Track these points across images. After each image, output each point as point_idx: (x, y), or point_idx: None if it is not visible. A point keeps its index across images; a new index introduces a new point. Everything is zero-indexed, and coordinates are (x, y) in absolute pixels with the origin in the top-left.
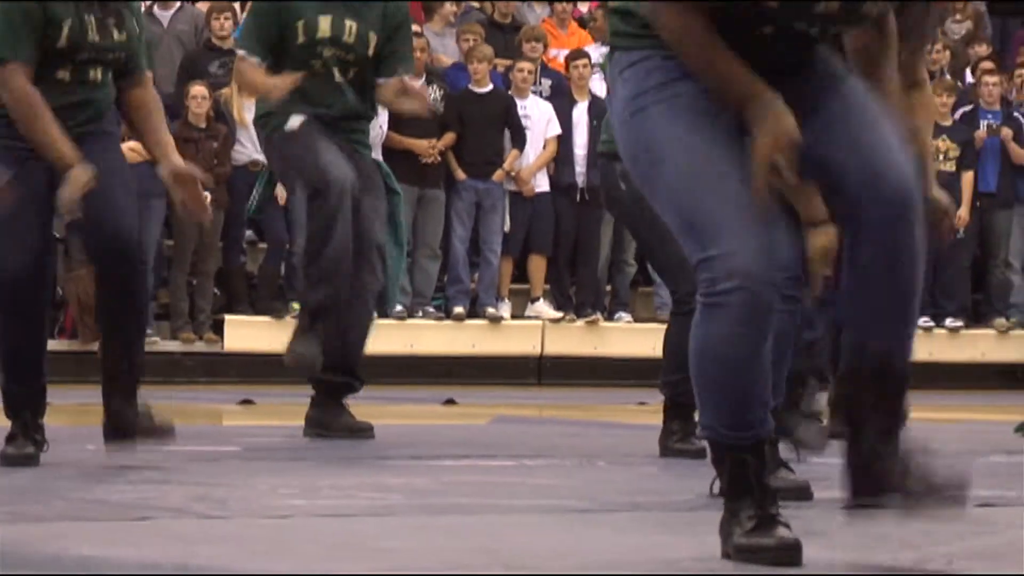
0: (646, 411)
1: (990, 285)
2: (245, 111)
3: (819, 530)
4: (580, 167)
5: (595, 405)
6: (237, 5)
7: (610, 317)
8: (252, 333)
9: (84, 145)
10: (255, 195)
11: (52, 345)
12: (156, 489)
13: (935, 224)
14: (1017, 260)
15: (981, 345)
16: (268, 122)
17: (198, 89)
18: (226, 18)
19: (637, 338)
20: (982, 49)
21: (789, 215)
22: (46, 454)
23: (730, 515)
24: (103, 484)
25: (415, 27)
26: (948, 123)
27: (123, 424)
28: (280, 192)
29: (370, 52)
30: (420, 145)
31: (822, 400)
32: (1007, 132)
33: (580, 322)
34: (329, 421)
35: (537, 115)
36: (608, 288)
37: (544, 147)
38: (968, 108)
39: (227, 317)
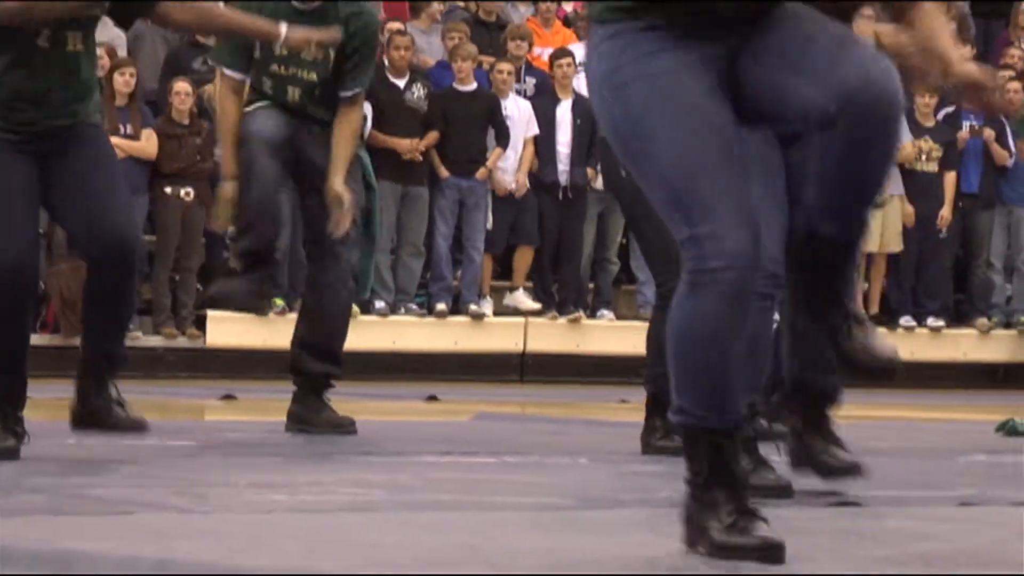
0: (628, 408)
1: (972, 285)
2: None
3: (799, 528)
4: (563, 165)
5: (577, 402)
6: (221, 4)
7: (592, 315)
8: (234, 329)
9: (73, 143)
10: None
11: (33, 339)
12: (137, 484)
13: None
14: (999, 260)
15: (963, 345)
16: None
17: (181, 85)
18: None
19: (619, 336)
20: (966, 50)
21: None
22: (26, 447)
23: (703, 507)
24: (83, 478)
25: (399, 25)
26: (931, 124)
27: (92, 413)
28: None
29: (331, 68)
30: (403, 144)
31: None
32: (989, 133)
33: (562, 320)
34: (311, 416)
35: (517, 115)
36: (591, 286)
37: (523, 146)
38: (951, 109)
39: (209, 313)
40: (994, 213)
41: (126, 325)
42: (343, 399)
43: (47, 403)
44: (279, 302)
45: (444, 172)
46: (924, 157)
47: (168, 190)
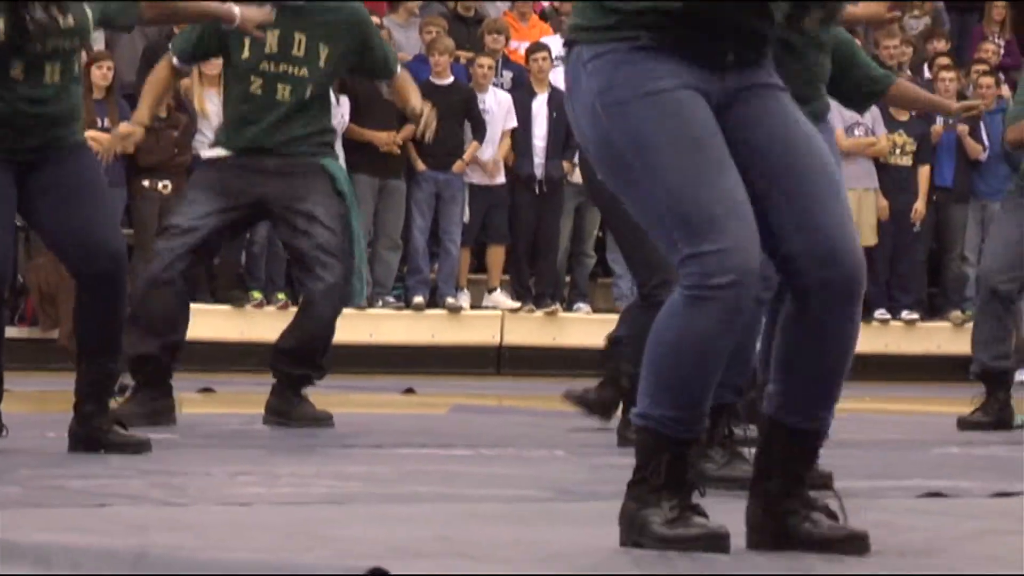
0: None
1: (946, 279)
2: (206, 101)
3: None
4: (539, 159)
5: (554, 395)
6: None
7: (569, 308)
8: (212, 322)
9: (60, 160)
10: None
11: (12, 332)
12: (115, 476)
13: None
14: (973, 254)
15: (937, 337)
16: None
17: None
18: None
19: (595, 329)
20: (940, 45)
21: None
22: (4, 440)
23: (644, 504)
24: (61, 471)
25: (377, 19)
26: (904, 118)
27: (92, 434)
28: None
29: (322, 64)
30: (380, 137)
31: None
32: (963, 128)
33: (539, 312)
34: (289, 410)
35: (496, 107)
36: (567, 279)
37: (501, 138)
38: None
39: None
40: (968, 207)
41: (120, 342)
42: (321, 392)
43: (26, 395)
44: (257, 295)
45: (421, 165)
46: (898, 151)
47: (146, 183)
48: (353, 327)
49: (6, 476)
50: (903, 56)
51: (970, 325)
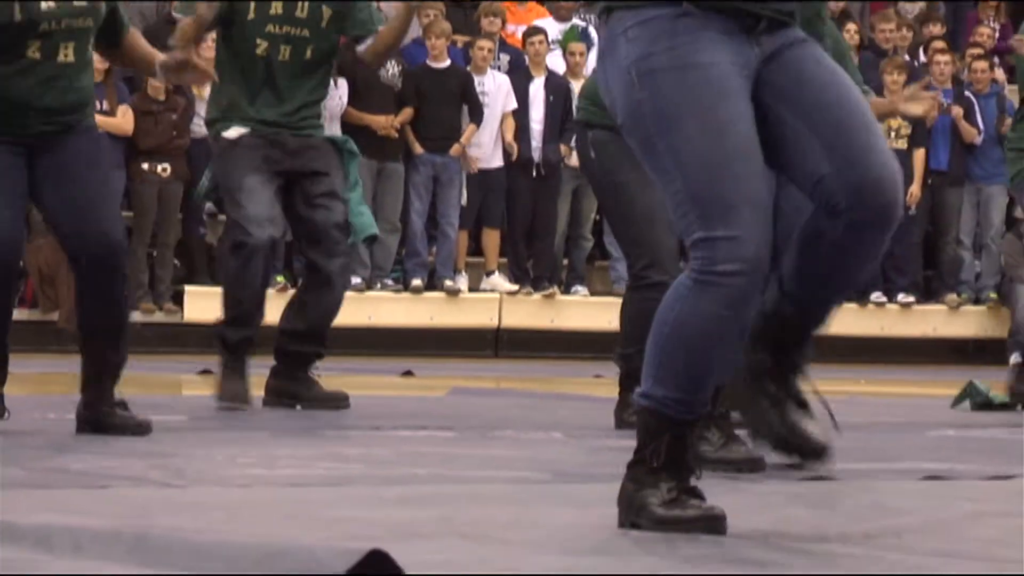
0: (602, 383)
1: (941, 262)
2: (203, 85)
3: (772, 503)
4: (536, 142)
5: (551, 377)
6: None
7: (567, 291)
8: (211, 304)
9: (68, 143)
10: (205, 181)
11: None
12: (115, 458)
13: None
14: (968, 237)
15: (932, 320)
16: (213, 127)
17: None
18: None
19: (593, 311)
20: (936, 29)
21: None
22: (6, 422)
23: (643, 486)
24: (63, 453)
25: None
26: None
27: (97, 418)
28: None
29: (323, 25)
30: (378, 121)
31: None
32: (958, 111)
33: (537, 295)
34: (300, 391)
35: (495, 90)
36: (565, 262)
37: (502, 121)
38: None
39: (187, 288)
40: (963, 190)
41: (124, 328)
42: (320, 374)
43: (27, 377)
44: (280, 279)
45: (418, 148)
46: (893, 135)
47: (145, 166)
48: (352, 310)
49: (7, 458)
50: (903, 40)
51: (965, 308)
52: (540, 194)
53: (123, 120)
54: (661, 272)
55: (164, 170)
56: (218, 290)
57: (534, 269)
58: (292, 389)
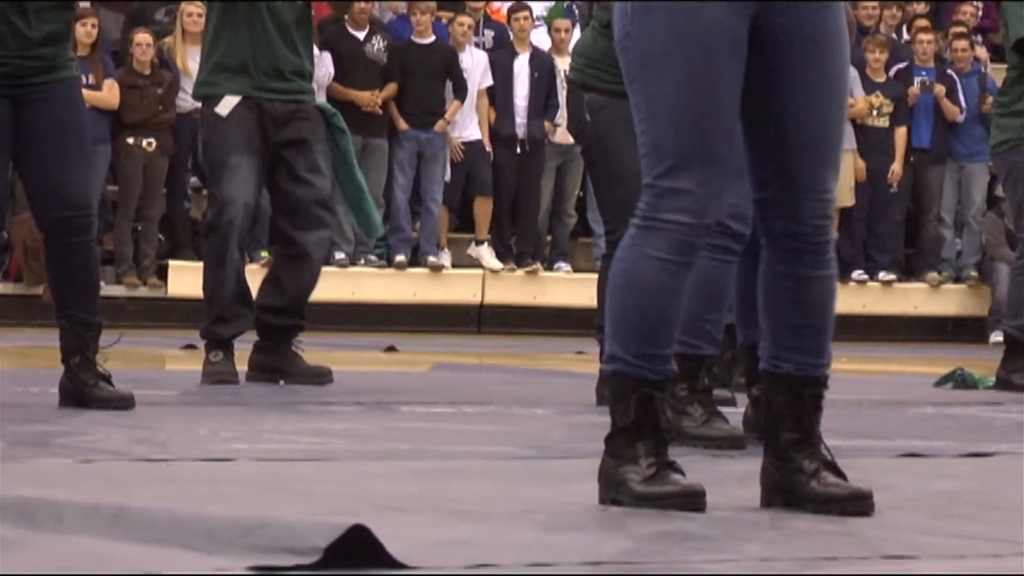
0: (584, 360)
1: (923, 240)
2: (189, 59)
3: (752, 480)
4: (521, 118)
5: (534, 353)
6: None
7: (550, 267)
8: (195, 279)
9: (49, 99)
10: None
11: None
12: (98, 432)
13: None
14: (949, 215)
15: (913, 298)
16: (206, 101)
17: (142, 36)
18: None
19: (576, 288)
20: (919, 7)
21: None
22: None
23: (623, 460)
24: (44, 426)
25: None
26: (882, 79)
27: (80, 390)
28: None
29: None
30: (363, 97)
31: None
32: (940, 89)
33: (520, 271)
34: (284, 366)
35: (472, 66)
36: (548, 238)
37: (478, 97)
38: (903, 65)
39: (171, 263)
40: (945, 168)
41: (96, 293)
42: (303, 349)
43: (11, 350)
44: (265, 254)
45: (403, 124)
46: (875, 112)
47: (130, 140)
48: (335, 285)
49: None
50: (892, 19)
51: (946, 286)
52: (524, 171)
53: (109, 94)
54: None
55: (149, 144)
56: (202, 265)
57: (517, 245)
58: (275, 364)
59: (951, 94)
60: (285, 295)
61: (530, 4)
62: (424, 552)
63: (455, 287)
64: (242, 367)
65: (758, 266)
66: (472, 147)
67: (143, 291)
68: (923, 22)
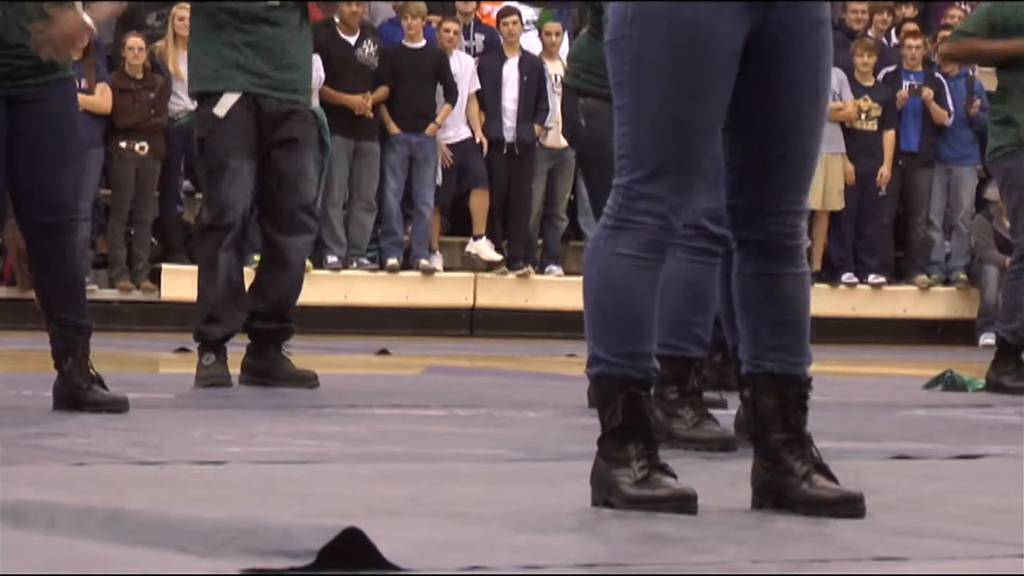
0: (576, 362)
1: (912, 243)
2: (180, 63)
3: (743, 482)
4: (510, 122)
5: (526, 356)
6: None
7: (541, 270)
8: (188, 282)
9: (43, 101)
10: (187, 116)
11: None
12: (92, 435)
13: None
14: (938, 218)
15: (903, 301)
16: (203, 99)
17: (134, 40)
18: None
19: (567, 291)
20: (908, 11)
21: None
22: None
23: (614, 463)
24: (38, 429)
25: None
26: (870, 83)
27: (73, 393)
28: None
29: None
30: (355, 101)
31: None
32: (928, 92)
33: (511, 275)
34: (271, 369)
35: (461, 71)
36: (539, 242)
37: (468, 101)
38: (891, 68)
39: (164, 266)
40: (933, 171)
41: (82, 296)
42: (296, 352)
43: (3, 354)
44: (257, 258)
45: (394, 128)
46: (864, 116)
47: (122, 144)
48: (328, 288)
49: None
50: (883, 23)
51: (935, 289)
52: (514, 174)
53: (101, 98)
54: None
55: (142, 148)
56: (195, 268)
57: (509, 249)
58: (264, 367)
59: (939, 98)
60: (268, 299)
61: (520, 8)
62: (417, 554)
63: (447, 290)
64: (235, 370)
65: None
66: (462, 145)
67: (136, 295)
68: (911, 26)
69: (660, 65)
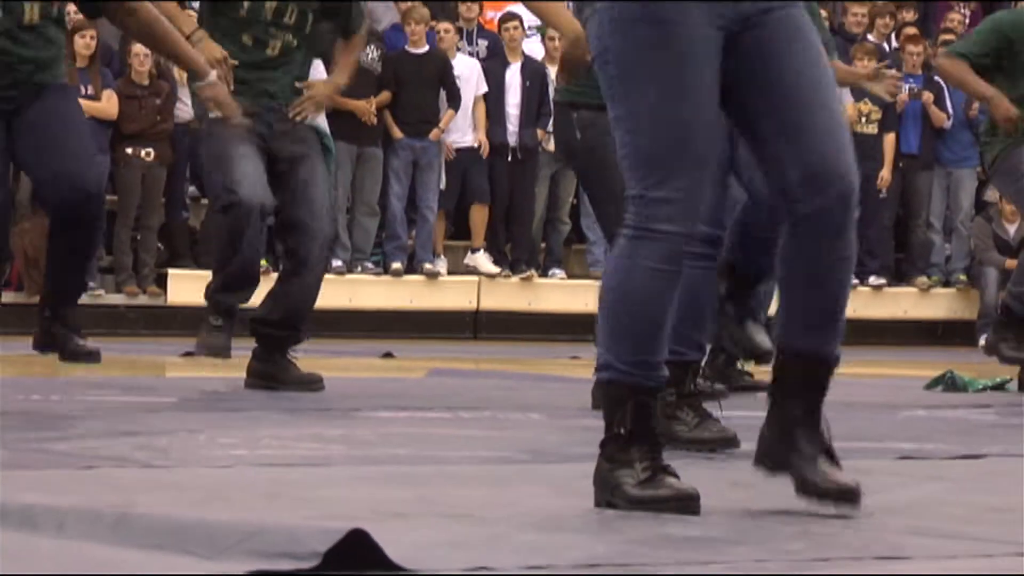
0: (579, 365)
1: (912, 245)
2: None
3: (746, 481)
4: (513, 126)
5: (529, 359)
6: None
7: (544, 274)
8: (194, 287)
9: (42, 97)
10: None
11: None
12: (99, 439)
13: None
14: (938, 220)
15: (903, 303)
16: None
17: (140, 47)
18: None
19: (570, 294)
20: (908, 15)
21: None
22: None
23: (617, 465)
24: (46, 433)
25: None
26: None
27: (53, 339)
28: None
29: (307, 31)
30: (360, 106)
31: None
32: (928, 96)
33: (515, 278)
34: (277, 373)
35: (466, 73)
36: (542, 245)
37: (474, 104)
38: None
39: (170, 271)
40: (933, 174)
41: (90, 257)
42: (301, 356)
43: (11, 359)
44: (264, 263)
45: (398, 133)
46: (864, 119)
47: (129, 150)
48: (333, 292)
49: None
50: (885, 28)
51: (936, 291)
52: (517, 178)
53: (107, 104)
54: None
55: (148, 154)
56: (201, 273)
57: (512, 252)
58: (270, 371)
59: (939, 101)
60: (283, 309)
61: (522, 14)
62: (422, 555)
63: (451, 294)
64: (241, 374)
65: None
66: (467, 154)
67: (143, 299)
68: (911, 30)
69: (646, 68)
